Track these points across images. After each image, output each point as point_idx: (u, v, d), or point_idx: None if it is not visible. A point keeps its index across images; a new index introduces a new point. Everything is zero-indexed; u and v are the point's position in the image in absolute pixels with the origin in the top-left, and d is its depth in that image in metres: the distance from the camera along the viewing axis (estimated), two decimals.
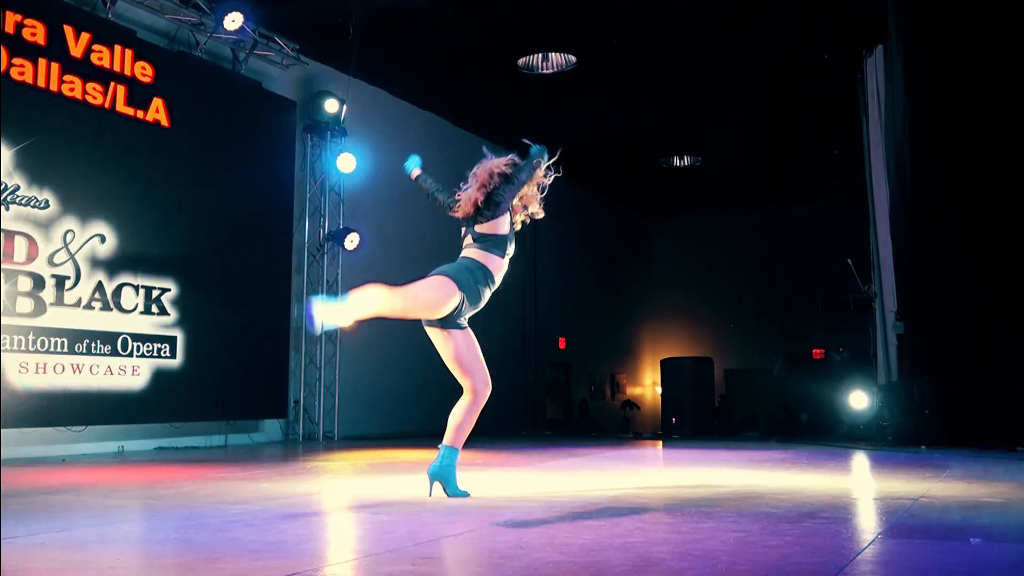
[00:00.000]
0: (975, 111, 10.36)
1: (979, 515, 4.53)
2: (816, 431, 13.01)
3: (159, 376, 9.38)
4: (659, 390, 21.64)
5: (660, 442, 12.14)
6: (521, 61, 12.68)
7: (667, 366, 14.26)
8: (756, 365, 20.23)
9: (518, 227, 5.25)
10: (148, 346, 9.29)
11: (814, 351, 19.43)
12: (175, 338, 9.61)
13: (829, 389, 14.78)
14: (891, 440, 10.34)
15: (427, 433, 12.92)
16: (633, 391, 21.62)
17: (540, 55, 12.68)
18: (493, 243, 5.01)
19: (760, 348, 20.33)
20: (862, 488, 5.94)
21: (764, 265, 21.19)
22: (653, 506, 4.86)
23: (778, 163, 17.16)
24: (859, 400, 11.38)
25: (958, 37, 10.20)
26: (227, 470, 7.24)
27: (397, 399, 13.23)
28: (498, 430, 14.77)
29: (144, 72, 9.28)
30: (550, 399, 18.05)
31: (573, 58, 12.57)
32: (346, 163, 11.74)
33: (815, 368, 18.37)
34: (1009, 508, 4.80)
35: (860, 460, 8.57)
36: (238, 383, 10.33)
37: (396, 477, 6.56)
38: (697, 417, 13.26)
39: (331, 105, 11.60)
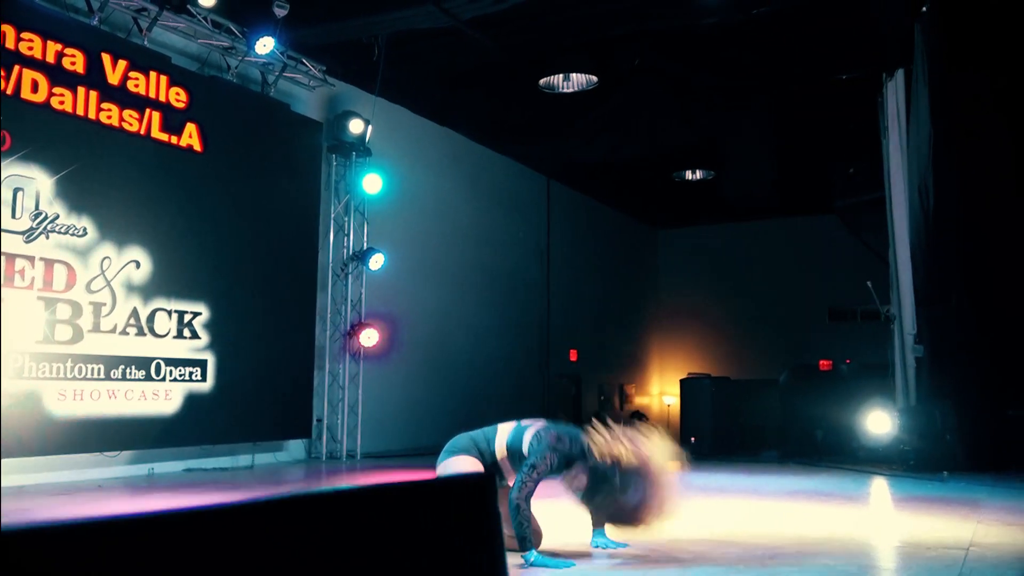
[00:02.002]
0: (1002, 141, 10.46)
1: None
2: (832, 450, 13.06)
3: (190, 400, 9.43)
4: (666, 400, 21.78)
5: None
6: (542, 80, 12.77)
7: (686, 385, 14.33)
8: (762, 376, 20.30)
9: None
10: (180, 370, 9.34)
11: (821, 362, 19.50)
12: (206, 361, 9.66)
13: (840, 404, 14.78)
14: (912, 465, 10.43)
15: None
16: (641, 401, 21.72)
17: (561, 75, 12.77)
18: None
19: (766, 358, 20.37)
20: (908, 532, 6.01)
21: (771, 275, 21.28)
22: (713, 557, 4.93)
23: (791, 178, 17.24)
24: (879, 423, 11.45)
25: (986, 68, 10.30)
26: (260, 496, 7.30)
27: (417, 414, 13.32)
28: None
29: (178, 98, 9.33)
30: (561, 411, 18.14)
31: (594, 78, 12.65)
32: (372, 184, 11.82)
33: (822, 379, 18.42)
34: None
35: (890, 490, 8.67)
36: (264, 404, 10.38)
37: None
38: (716, 436, 13.34)
39: (356, 126, 11.66)
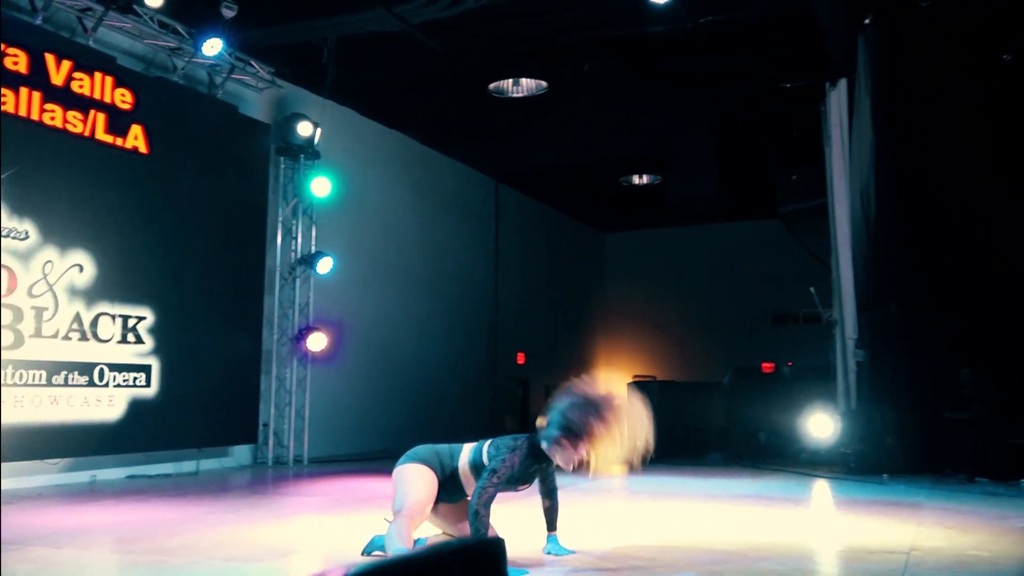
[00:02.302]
0: (940, 152, 10.73)
1: (975, 574, 4.76)
2: (775, 452, 13.28)
3: (134, 406, 9.30)
4: None
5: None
6: (492, 85, 12.81)
7: (633, 388, 14.43)
8: (707, 378, 20.54)
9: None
10: (124, 376, 9.20)
11: (763, 364, 19.79)
12: (150, 367, 9.53)
13: (782, 406, 14.98)
14: (854, 468, 10.64)
15: (394, 452, 13.03)
16: None
17: (511, 80, 12.83)
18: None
19: (711, 361, 20.62)
20: (851, 536, 6.13)
21: (716, 279, 21.56)
22: (663, 563, 5.00)
23: (737, 183, 17.45)
24: (821, 426, 11.65)
25: (928, 79, 10.56)
26: (214, 508, 7.24)
27: (364, 419, 13.28)
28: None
29: (124, 99, 9.20)
30: (508, 414, 18.19)
31: (544, 83, 12.73)
32: (321, 187, 11.75)
33: (765, 381, 18.69)
34: (999, 564, 5.03)
35: (832, 493, 8.86)
36: (210, 409, 10.27)
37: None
38: (663, 439, 13.43)
39: (304, 128, 11.58)
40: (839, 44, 11.31)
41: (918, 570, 4.82)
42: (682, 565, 4.98)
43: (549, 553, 5.10)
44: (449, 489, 4.89)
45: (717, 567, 4.92)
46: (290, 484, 9.62)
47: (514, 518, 5.85)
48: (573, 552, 5.13)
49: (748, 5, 10.75)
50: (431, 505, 4.85)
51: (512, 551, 5.08)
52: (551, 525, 5.15)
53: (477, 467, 4.87)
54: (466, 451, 4.97)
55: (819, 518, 7.43)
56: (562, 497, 5.26)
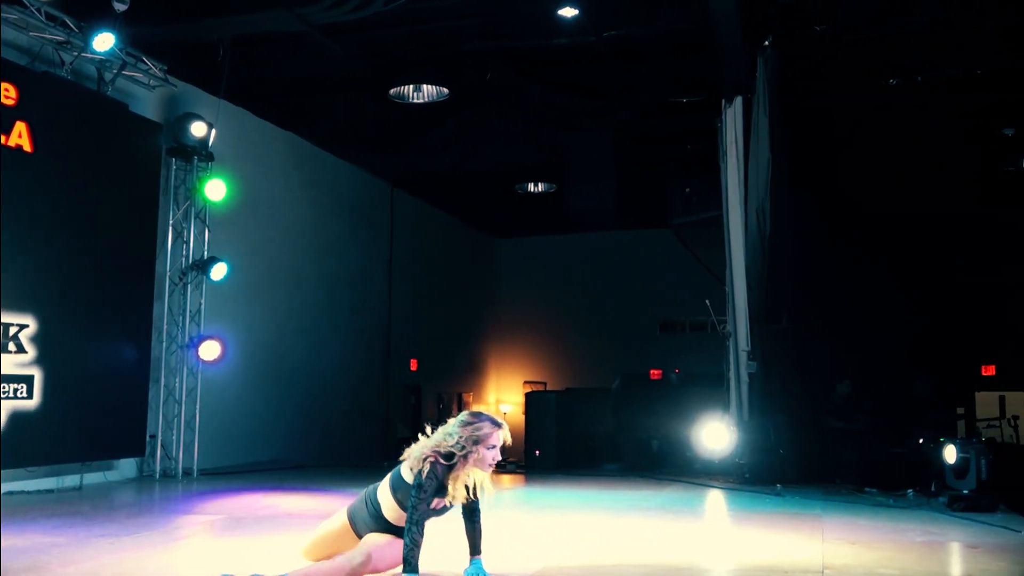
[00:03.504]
0: (834, 173, 11.08)
1: None
2: (668, 461, 13.48)
3: (15, 419, 8.79)
4: (503, 408, 21.92)
5: (524, 476, 12.35)
6: (392, 90, 12.62)
7: (531, 398, 14.48)
8: (597, 384, 20.74)
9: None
10: (4, 387, 8.68)
11: (651, 371, 20.11)
12: (32, 377, 9.03)
13: (672, 413, 15.19)
14: (748, 478, 10.88)
15: (285, 464, 12.70)
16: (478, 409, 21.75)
17: (412, 85, 12.67)
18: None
19: (600, 368, 20.81)
20: (762, 556, 6.20)
21: (606, 286, 21.79)
22: None
23: (631, 193, 17.65)
24: (716, 437, 11.83)
25: (823, 100, 10.89)
26: (106, 530, 6.87)
27: (255, 429, 12.90)
28: (353, 453, 14.64)
29: (8, 94, 8.68)
30: (400, 422, 17.96)
31: (445, 90, 12.61)
32: (215, 190, 11.35)
33: (653, 388, 18.99)
34: None
35: (733, 506, 9.00)
36: (95, 421, 9.79)
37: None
38: (560, 450, 13.54)
39: (198, 128, 11.17)
40: (736, 63, 11.54)
41: None
42: None
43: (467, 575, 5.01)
44: (381, 524, 4.85)
45: None
46: (182, 500, 9.24)
47: (438, 540, 5.71)
48: None
49: (652, 21, 10.86)
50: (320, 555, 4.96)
51: (434, 569, 4.98)
52: (474, 548, 5.05)
53: (398, 486, 4.80)
54: (385, 480, 4.93)
55: (727, 534, 7.51)
56: None
